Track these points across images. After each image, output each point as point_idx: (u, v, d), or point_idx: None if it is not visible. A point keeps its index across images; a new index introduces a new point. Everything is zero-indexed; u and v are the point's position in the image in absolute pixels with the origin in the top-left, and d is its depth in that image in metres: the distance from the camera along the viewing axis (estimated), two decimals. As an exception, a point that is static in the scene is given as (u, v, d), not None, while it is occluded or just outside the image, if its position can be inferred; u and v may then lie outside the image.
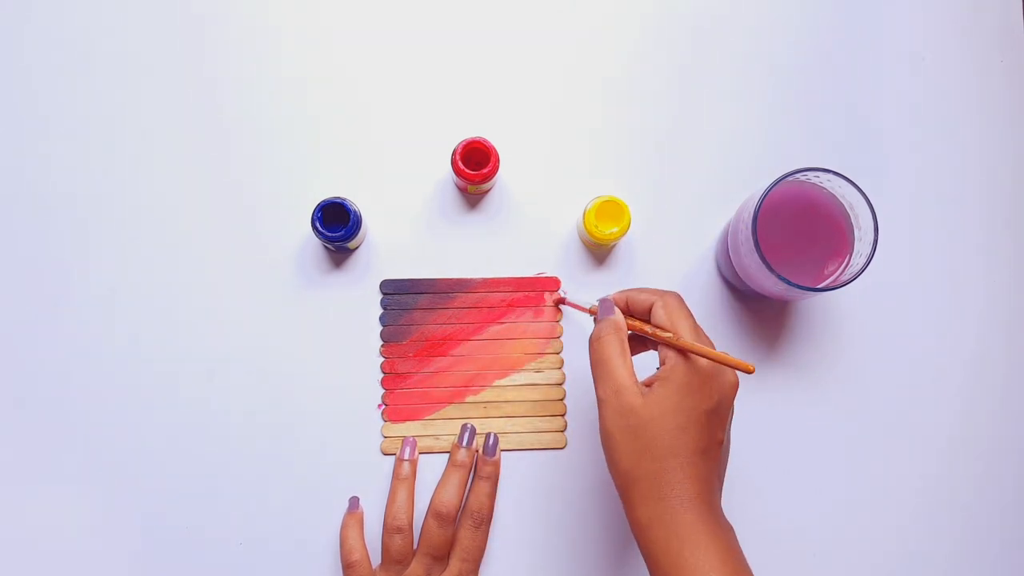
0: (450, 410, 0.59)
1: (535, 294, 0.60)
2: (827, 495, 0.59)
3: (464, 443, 0.57)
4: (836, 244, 0.54)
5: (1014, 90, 0.63)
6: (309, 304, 0.59)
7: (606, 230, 0.56)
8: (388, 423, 0.58)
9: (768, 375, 0.60)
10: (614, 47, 0.62)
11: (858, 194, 0.51)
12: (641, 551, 0.45)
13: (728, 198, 0.59)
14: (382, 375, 0.59)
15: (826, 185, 0.53)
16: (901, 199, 0.61)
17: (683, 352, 0.46)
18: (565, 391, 0.59)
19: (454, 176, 0.58)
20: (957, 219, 0.62)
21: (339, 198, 0.55)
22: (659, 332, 0.47)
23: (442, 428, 0.58)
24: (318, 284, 0.59)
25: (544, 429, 0.59)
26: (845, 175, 0.51)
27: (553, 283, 0.60)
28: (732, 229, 0.56)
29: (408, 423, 0.58)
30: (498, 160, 0.56)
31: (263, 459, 0.58)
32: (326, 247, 0.59)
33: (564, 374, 0.59)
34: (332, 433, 0.58)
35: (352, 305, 0.59)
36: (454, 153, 0.56)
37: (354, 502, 0.57)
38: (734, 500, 0.58)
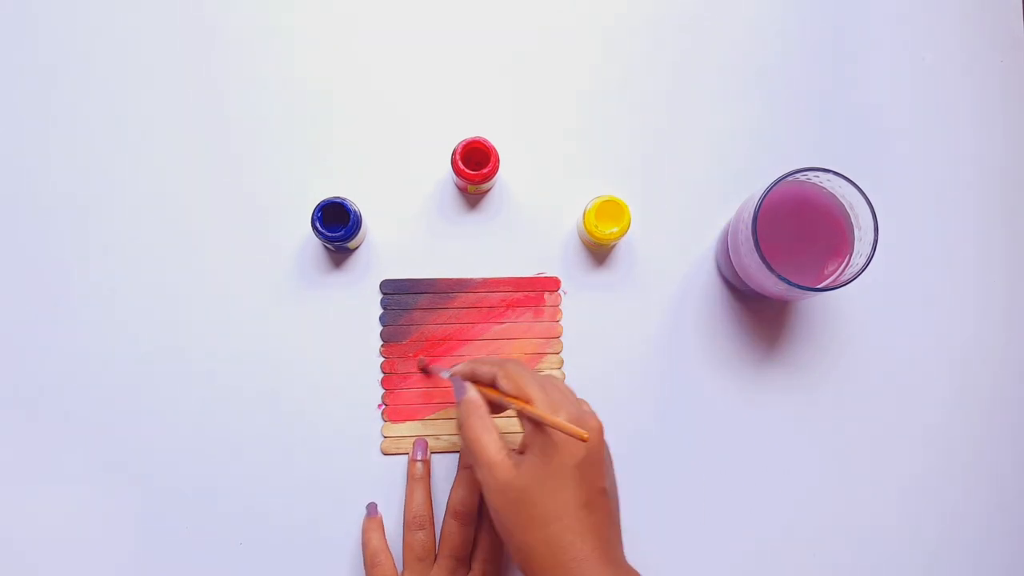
0: (450, 410, 0.59)
1: (535, 294, 0.60)
2: (827, 494, 0.59)
3: None
4: (836, 244, 0.54)
5: (1014, 90, 0.63)
6: (309, 304, 0.59)
7: (606, 230, 0.56)
8: (388, 423, 0.58)
9: (768, 375, 0.60)
10: (614, 47, 0.62)
11: (858, 194, 0.51)
12: None
13: (728, 198, 0.59)
14: (382, 375, 0.59)
15: (826, 185, 0.53)
16: (901, 199, 0.61)
17: (540, 427, 0.46)
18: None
19: (454, 176, 0.58)
20: (957, 219, 0.62)
21: (339, 198, 0.55)
22: (511, 400, 0.47)
23: (442, 428, 0.58)
24: (318, 284, 0.59)
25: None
26: (845, 175, 0.51)
27: (553, 283, 0.60)
28: (732, 229, 0.56)
29: (408, 423, 0.58)
30: (498, 160, 0.56)
31: (263, 459, 0.57)
32: (326, 247, 0.59)
33: (564, 374, 0.59)
34: (332, 433, 0.58)
35: (352, 305, 0.59)
36: (454, 153, 0.56)
37: (372, 508, 0.57)
38: (734, 499, 0.59)
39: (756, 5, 0.63)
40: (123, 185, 0.59)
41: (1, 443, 0.57)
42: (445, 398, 0.59)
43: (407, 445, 0.58)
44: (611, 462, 0.49)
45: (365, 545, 0.56)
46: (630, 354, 0.60)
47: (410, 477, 0.57)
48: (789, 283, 0.50)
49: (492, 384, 0.49)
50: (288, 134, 0.60)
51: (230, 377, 0.58)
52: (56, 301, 0.58)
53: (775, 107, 0.62)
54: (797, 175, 0.51)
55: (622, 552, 0.48)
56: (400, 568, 0.56)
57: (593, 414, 0.48)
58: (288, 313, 0.59)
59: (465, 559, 0.54)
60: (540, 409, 0.46)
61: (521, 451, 0.47)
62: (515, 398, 0.47)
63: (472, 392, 0.50)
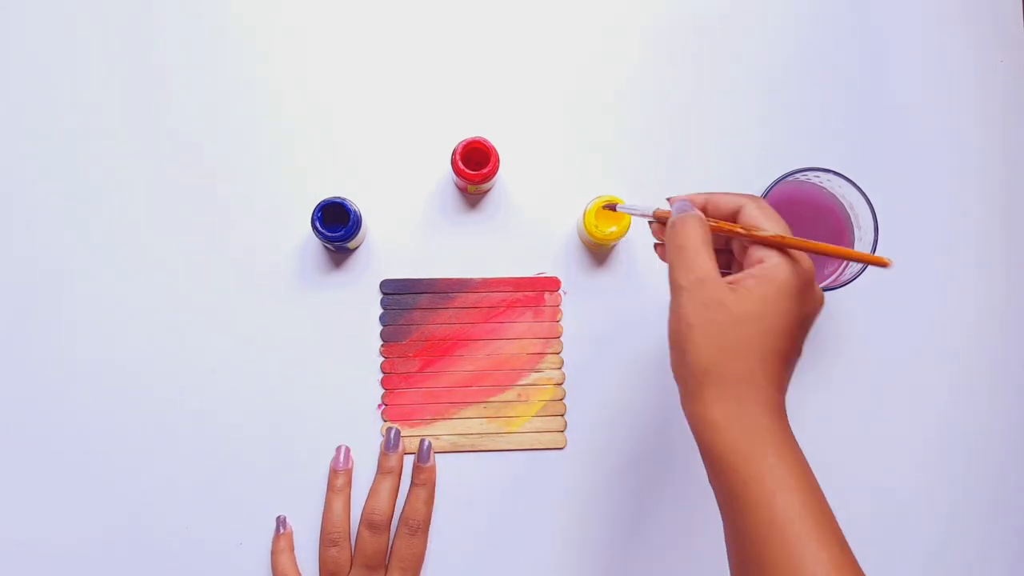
0: (451, 410, 0.59)
1: (535, 294, 0.60)
2: (826, 494, 0.59)
3: (390, 447, 0.57)
4: (836, 243, 0.53)
5: (1014, 90, 0.63)
6: (309, 304, 0.59)
7: (606, 230, 0.56)
8: (388, 423, 0.58)
9: (768, 375, 0.60)
10: (614, 47, 0.62)
11: (858, 194, 0.51)
12: (706, 453, 0.42)
13: (728, 198, 0.59)
14: (382, 375, 0.59)
15: (826, 185, 0.53)
16: (901, 199, 0.61)
17: (787, 254, 0.42)
18: (565, 391, 0.59)
19: (454, 176, 0.58)
20: (957, 219, 0.62)
21: (339, 198, 0.55)
22: (758, 232, 0.42)
23: (442, 428, 0.58)
24: (318, 284, 0.59)
25: (544, 429, 0.59)
26: (845, 175, 0.51)
27: (553, 283, 0.60)
28: (732, 229, 0.56)
29: (408, 423, 0.58)
30: (498, 160, 0.56)
31: (263, 459, 0.57)
32: (326, 247, 0.59)
33: (564, 374, 0.59)
34: (332, 433, 0.58)
35: (352, 305, 0.59)
36: (454, 153, 0.56)
37: (281, 522, 0.57)
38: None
39: (757, 7, 0.63)
40: (123, 185, 0.59)
41: (1, 443, 0.57)
42: (445, 398, 0.59)
43: (407, 445, 0.58)
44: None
45: (273, 567, 0.56)
46: (630, 354, 0.59)
47: (329, 488, 0.56)
48: (789, 283, 0.50)
49: (731, 217, 0.44)
50: (288, 134, 0.60)
51: (230, 377, 0.58)
52: (55, 302, 0.58)
53: (775, 107, 0.62)
54: (797, 175, 0.51)
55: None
56: None
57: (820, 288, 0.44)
58: (288, 313, 0.59)
59: (378, 567, 0.55)
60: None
61: (732, 283, 0.42)
62: (761, 229, 0.42)
63: (700, 214, 0.43)
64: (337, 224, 0.55)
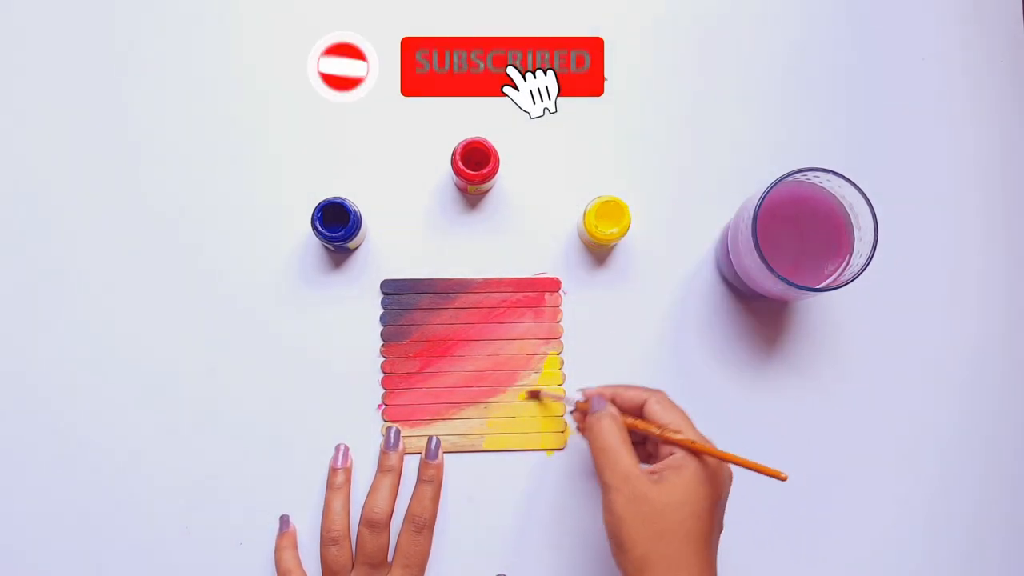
0: (451, 411, 0.59)
1: (535, 295, 0.60)
2: (827, 494, 0.59)
3: (390, 446, 0.57)
4: (836, 244, 0.54)
5: (1014, 90, 0.63)
6: (309, 304, 0.59)
7: (606, 230, 0.56)
8: (388, 423, 0.58)
9: (767, 375, 0.60)
10: (614, 47, 0.62)
11: (858, 194, 0.51)
12: None
13: (728, 198, 0.58)
14: (382, 375, 0.59)
15: (826, 185, 0.53)
16: (901, 199, 0.61)
17: (695, 451, 0.48)
18: (565, 391, 0.59)
19: (454, 176, 0.58)
20: (957, 219, 0.62)
21: (339, 198, 0.55)
22: (669, 433, 0.49)
23: (442, 428, 0.58)
24: (318, 284, 0.59)
25: (544, 430, 0.59)
26: (845, 175, 0.51)
27: (554, 284, 0.60)
28: (732, 229, 0.56)
29: (408, 423, 0.58)
30: (498, 160, 0.56)
31: (262, 459, 0.57)
32: (326, 247, 0.59)
33: (564, 375, 0.59)
34: (332, 433, 0.58)
35: (352, 305, 0.59)
36: (454, 153, 0.56)
37: (284, 521, 0.57)
38: (733, 498, 0.58)
39: (757, 7, 0.63)
40: (123, 185, 0.59)
41: (2, 443, 0.57)
42: (445, 399, 0.59)
43: (407, 445, 0.58)
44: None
45: (277, 564, 0.56)
46: (630, 354, 0.59)
47: (329, 486, 0.56)
48: (789, 283, 0.50)
49: (636, 411, 0.51)
50: (288, 134, 0.60)
51: (230, 377, 0.58)
52: (55, 302, 0.58)
53: (775, 107, 0.62)
54: (797, 175, 0.51)
55: None
56: None
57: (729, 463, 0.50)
58: (288, 313, 0.59)
59: (380, 565, 0.55)
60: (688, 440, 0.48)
61: (652, 473, 0.48)
62: (663, 426, 0.49)
63: (613, 408, 0.51)
64: (337, 224, 0.55)
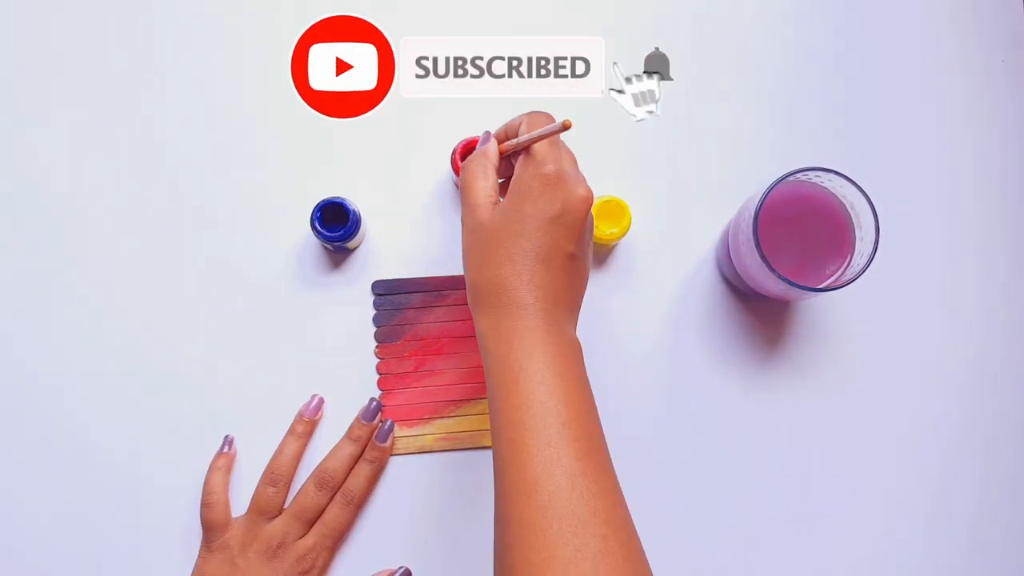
0: (448, 409, 0.58)
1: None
2: (827, 494, 0.59)
3: (365, 417, 0.56)
4: (837, 244, 0.53)
5: (1014, 90, 0.63)
6: (308, 304, 0.59)
7: (606, 230, 0.56)
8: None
9: (768, 375, 0.60)
10: (614, 48, 0.62)
11: (859, 194, 0.51)
12: (483, 365, 0.44)
13: (728, 198, 0.58)
14: (378, 376, 0.58)
15: (827, 185, 0.53)
16: (902, 199, 0.61)
17: (529, 154, 0.45)
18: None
19: (454, 176, 0.58)
20: (957, 219, 0.62)
21: (338, 198, 0.55)
22: (508, 143, 0.46)
23: (439, 427, 0.58)
24: (317, 284, 0.59)
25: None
26: (846, 175, 0.51)
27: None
28: (732, 229, 0.56)
29: (405, 423, 0.58)
30: (498, 160, 0.56)
31: (262, 459, 0.57)
32: (325, 247, 0.59)
33: (564, 374, 0.59)
34: (330, 433, 0.57)
35: (351, 305, 0.59)
36: (454, 153, 0.56)
37: (228, 441, 0.56)
38: (734, 498, 0.58)
39: (757, 6, 0.63)
40: (123, 184, 0.59)
41: (3, 446, 0.57)
42: (442, 397, 0.58)
43: (404, 445, 0.58)
44: (591, 235, 0.48)
45: (205, 482, 0.55)
46: (630, 354, 0.59)
47: (289, 431, 0.56)
48: (789, 283, 0.50)
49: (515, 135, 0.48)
50: (288, 134, 0.60)
51: (229, 376, 0.58)
52: (55, 302, 0.58)
53: (775, 107, 0.62)
54: (798, 175, 0.51)
55: (570, 321, 0.46)
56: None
57: (586, 184, 0.46)
58: (287, 313, 0.58)
59: (307, 523, 0.54)
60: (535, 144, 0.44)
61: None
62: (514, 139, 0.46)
63: (492, 142, 0.48)
64: (336, 224, 0.55)
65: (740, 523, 0.59)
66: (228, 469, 0.56)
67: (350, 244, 0.58)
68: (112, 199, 0.59)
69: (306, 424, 0.56)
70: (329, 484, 0.55)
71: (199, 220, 0.59)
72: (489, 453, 0.58)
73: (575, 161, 0.48)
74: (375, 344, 0.59)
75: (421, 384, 0.58)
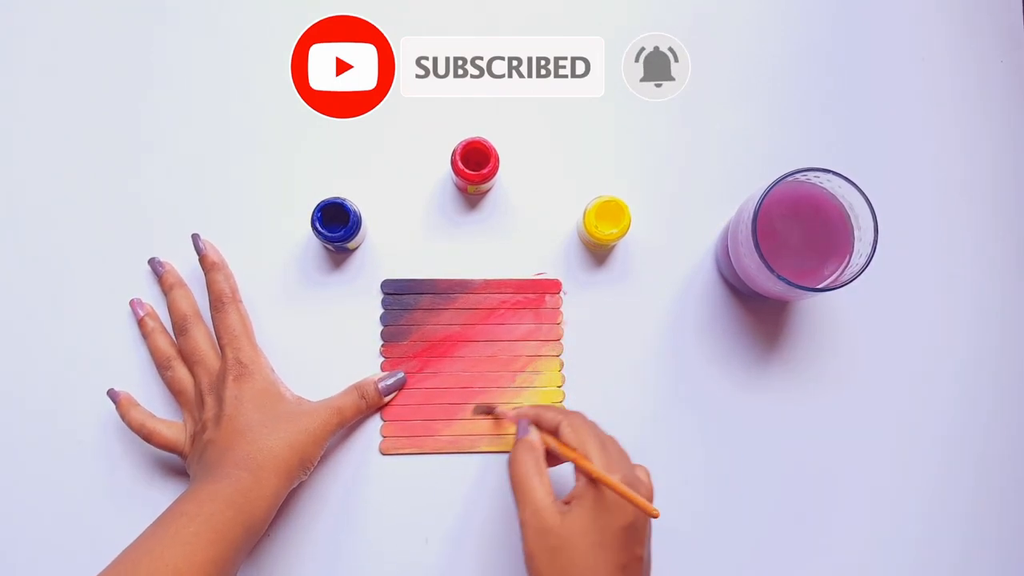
0: (451, 411, 0.58)
1: (535, 296, 0.60)
2: (825, 494, 0.59)
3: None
4: (836, 244, 0.54)
5: (1014, 90, 0.63)
6: (309, 304, 0.59)
7: (606, 230, 0.56)
8: (387, 423, 0.58)
9: (767, 375, 0.60)
10: (614, 48, 0.62)
11: (858, 194, 0.51)
12: None
13: (728, 198, 0.59)
14: (382, 375, 0.59)
15: (826, 185, 0.53)
16: (901, 199, 0.61)
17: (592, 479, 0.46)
18: (564, 393, 0.59)
19: (454, 176, 0.58)
20: (957, 219, 0.62)
21: (339, 198, 0.55)
22: (569, 453, 0.48)
23: (442, 428, 0.58)
24: (318, 284, 0.59)
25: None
26: (845, 175, 0.51)
27: (554, 285, 0.60)
28: (732, 229, 0.56)
29: (407, 423, 0.58)
30: (498, 160, 0.56)
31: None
32: (326, 247, 0.59)
33: (564, 376, 0.59)
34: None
35: (352, 305, 0.59)
36: (454, 153, 0.56)
37: (113, 394, 0.56)
38: (734, 498, 0.59)
39: (756, 7, 0.63)
40: (123, 184, 0.59)
41: (4, 447, 0.57)
42: (446, 399, 0.59)
43: (406, 445, 0.58)
44: (651, 532, 0.49)
45: (130, 423, 0.55)
46: (630, 355, 0.59)
47: (145, 336, 0.57)
48: (789, 283, 0.50)
49: (554, 432, 0.49)
50: (288, 134, 0.60)
51: (230, 377, 0.58)
52: (55, 302, 0.58)
53: (775, 107, 0.62)
54: (797, 175, 0.51)
55: None
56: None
57: (646, 481, 0.49)
58: (288, 313, 0.59)
59: (208, 357, 0.55)
60: (598, 467, 0.46)
61: (567, 502, 0.47)
62: (574, 450, 0.48)
63: (534, 434, 0.50)
64: (337, 224, 0.55)
65: (739, 522, 0.59)
66: (135, 404, 0.56)
67: (350, 244, 0.58)
68: (112, 199, 0.59)
69: (150, 319, 0.57)
70: (184, 324, 0.56)
71: (200, 221, 0.59)
72: (488, 457, 0.59)
73: (625, 453, 0.50)
74: (379, 344, 0.59)
75: (425, 386, 0.59)
